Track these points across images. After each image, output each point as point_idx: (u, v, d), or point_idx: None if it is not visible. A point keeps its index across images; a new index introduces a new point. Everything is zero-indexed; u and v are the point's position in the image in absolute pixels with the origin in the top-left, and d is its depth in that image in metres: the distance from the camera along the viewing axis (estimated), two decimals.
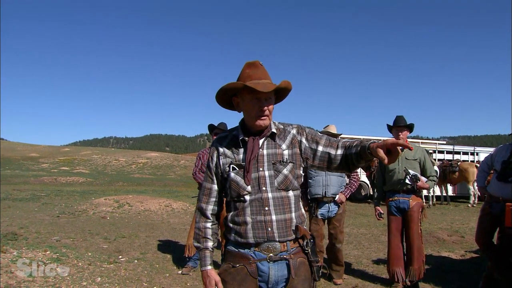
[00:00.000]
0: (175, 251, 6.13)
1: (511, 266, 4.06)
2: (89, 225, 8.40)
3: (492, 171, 4.53)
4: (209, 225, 2.05)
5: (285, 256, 1.88)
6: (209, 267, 1.98)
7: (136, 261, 5.51)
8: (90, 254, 5.58)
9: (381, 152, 1.67)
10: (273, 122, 2.00)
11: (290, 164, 1.92)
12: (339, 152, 1.89)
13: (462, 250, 6.67)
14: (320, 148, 1.93)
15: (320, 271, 2.01)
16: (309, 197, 4.89)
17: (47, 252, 5.16)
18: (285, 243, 1.88)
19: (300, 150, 1.96)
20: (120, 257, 5.67)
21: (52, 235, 7.00)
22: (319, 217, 4.82)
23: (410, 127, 4.64)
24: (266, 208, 1.87)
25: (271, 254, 1.87)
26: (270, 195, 1.88)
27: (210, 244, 2.04)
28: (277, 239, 1.86)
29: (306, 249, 1.92)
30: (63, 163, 47.72)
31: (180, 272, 5.12)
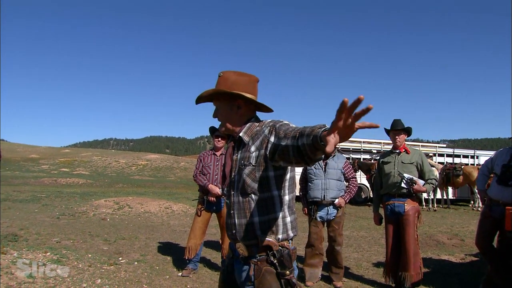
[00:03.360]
0: (175, 253, 6.13)
1: (511, 269, 4.07)
2: (89, 226, 8.40)
3: (492, 175, 4.54)
4: None
5: (251, 261, 1.90)
6: None
7: (136, 263, 5.51)
8: (90, 255, 5.58)
9: (331, 143, 1.35)
10: (259, 122, 1.99)
11: (250, 167, 1.88)
12: (290, 142, 1.61)
13: (462, 254, 6.67)
14: (279, 142, 1.70)
15: (293, 286, 1.87)
16: (309, 200, 4.91)
17: (47, 254, 5.16)
18: (251, 248, 1.91)
19: (266, 150, 1.83)
20: (120, 258, 5.67)
21: (52, 237, 7.00)
22: (318, 219, 4.83)
23: (407, 131, 4.66)
24: (232, 211, 1.95)
25: (241, 256, 1.93)
26: (235, 199, 1.94)
27: None
28: (242, 242, 1.93)
29: (272, 259, 1.86)
30: (63, 164, 47.74)
31: (180, 274, 5.12)
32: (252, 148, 1.90)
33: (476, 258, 6.23)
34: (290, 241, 1.96)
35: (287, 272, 1.86)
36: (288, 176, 1.95)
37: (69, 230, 7.80)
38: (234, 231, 1.94)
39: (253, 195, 1.89)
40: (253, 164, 1.87)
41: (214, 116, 2.04)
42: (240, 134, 1.96)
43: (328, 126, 1.41)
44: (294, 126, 1.76)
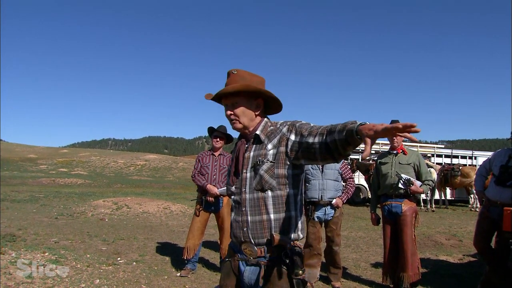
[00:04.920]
0: (173, 254, 6.14)
1: (509, 270, 4.07)
2: (88, 227, 8.40)
3: (490, 175, 4.55)
4: None
5: (261, 262, 1.89)
6: None
7: (134, 263, 5.51)
8: (88, 256, 5.59)
9: (369, 144, 1.49)
10: (271, 122, 2.02)
11: (268, 163, 1.88)
12: (317, 139, 1.71)
13: (460, 254, 6.68)
14: (303, 140, 1.80)
15: (304, 286, 1.88)
16: (306, 200, 4.92)
17: (46, 254, 5.16)
18: (262, 248, 1.89)
19: (287, 148, 1.87)
20: (118, 259, 5.67)
21: (51, 237, 6.99)
22: (316, 220, 4.84)
23: None
24: (243, 209, 1.93)
25: (250, 257, 1.91)
26: (247, 196, 1.92)
27: None
28: (252, 241, 1.89)
29: (284, 259, 1.86)
30: (61, 164, 47.67)
31: (178, 274, 5.12)
32: (269, 146, 1.91)
33: (474, 259, 6.25)
34: (299, 241, 1.97)
35: (300, 272, 1.85)
36: (302, 176, 1.97)
37: (68, 230, 7.80)
38: (245, 229, 1.91)
39: (269, 192, 1.88)
40: (271, 160, 1.88)
41: (231, 112, 1.97)
42: (257, 132, 1.96)
43: (358, 121, 1.57)
44: (316, 125, 1.82)
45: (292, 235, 1.91)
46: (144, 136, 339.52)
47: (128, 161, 50.50)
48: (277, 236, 1.85)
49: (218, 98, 2.01)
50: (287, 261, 1.85)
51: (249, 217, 1.91)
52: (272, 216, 1.88)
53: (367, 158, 16.61)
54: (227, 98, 1.98)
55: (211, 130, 5.18)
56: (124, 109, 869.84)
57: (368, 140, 1.49)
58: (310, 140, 1.74)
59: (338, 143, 1.61)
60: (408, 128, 1.39)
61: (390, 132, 1.43)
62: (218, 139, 5.18)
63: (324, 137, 1.68)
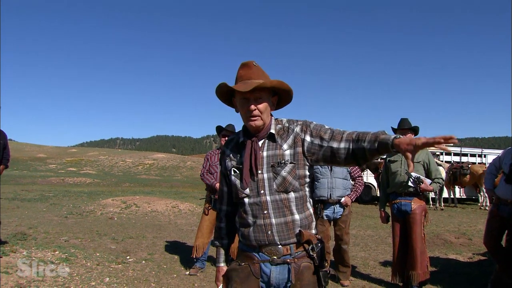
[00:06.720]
0: (182, 252, 6.17)
1: None
2: (97, 225, 8.46)
3: (500, 174, 4.52)
4: (222, 225, 2.10)
5: (287, 260, 1.86)
6: (221, 264, 2.09)
7: (143, 261, 5.55)
8: (98, 254, 5.63)
9: (410, 158, 1.56)
10: (277, 120, 1.96)
11: (289, 165, 1.84)
12: (342, 145, 1.75)
13: (469, 253, 6.64)
14: (324, 144, 1.79)
15: (328, 277, 1.91)
16: (315, 199, 4.91)
17: (56, 252, 5.21)
18: (288, 247, 1.86)
19: (303, 148, 1.85)
20: (128, 257, 5.71)
21: (61, 236, 7.05)
22: (325, 218, 4.83)
23: (414, 130, 4.64)
24: (265, 212, 1.85)
25: (274, 257, 1.86)
26: (268, 198, 1.85)
27: (224, 242, 2.10)
28: (278, 242, 1.85)
29: (312, 254, 1.85)
30: (70, 164, 48.09)
31: (187, 273, 5.15)
32: (285, 146, 1.87)
33: (484, 257, 6.20)
34: None
35: (326, 264, 1.89)
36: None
37: (77, 229, 7.86)
38: (269, 232, 1.84)
39: (293, 193, 1.86)
40: (291, 161, 1.85)
41: (255, 107, 1.83)
42: (272, 131, 1.89)
43: (386, 132, 1.69)
44: (335, 128, 1.84)
45: (314, 231, 1.93)
46: (152, 135, 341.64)
47: (136, 160, 50.79)
48: (306, 232, 1.85)
49: (230, 90, 1.89)
50: (314, 255, 1.86)
51: (273, 219, 1.84)
52: (296, 216, 1.86)
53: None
54: (251, 92, 1.81)
55: (219, 129, 5.19)
56: (132, 108, 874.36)
57: (409, 155, 1.56)
58: (335, 145, 1.77)
59: (368, 152, 1.69)
60: (447, 140, 1.47)
61: (430, 145, 1.50)
62: (226, 138, 5.18)
63: (351, 144, 1.74)
